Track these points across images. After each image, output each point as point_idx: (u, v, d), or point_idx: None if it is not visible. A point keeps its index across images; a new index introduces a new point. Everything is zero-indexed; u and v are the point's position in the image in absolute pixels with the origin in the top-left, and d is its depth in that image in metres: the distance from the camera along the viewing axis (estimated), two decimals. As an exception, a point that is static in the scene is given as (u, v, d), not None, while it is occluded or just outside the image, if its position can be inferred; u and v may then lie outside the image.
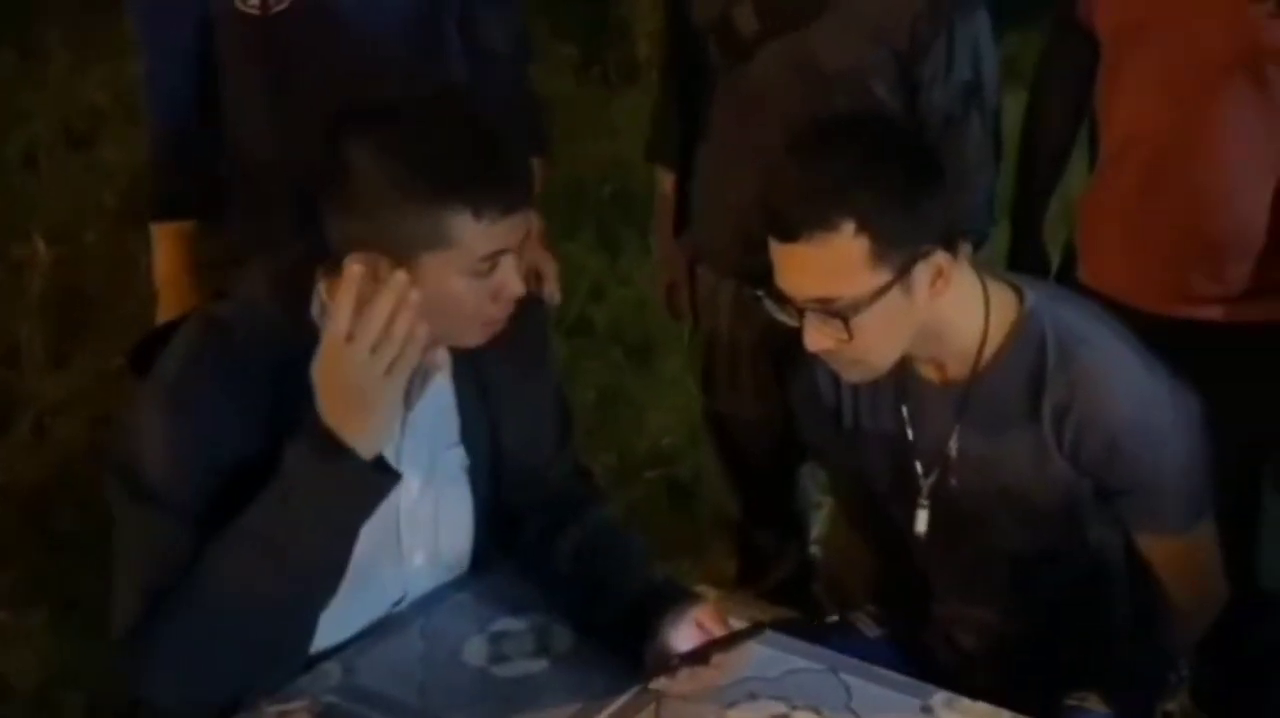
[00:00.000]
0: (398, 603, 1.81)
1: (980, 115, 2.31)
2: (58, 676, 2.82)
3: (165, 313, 2.35)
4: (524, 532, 1.86)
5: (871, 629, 2.03)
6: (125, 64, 4.84)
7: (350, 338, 1.50)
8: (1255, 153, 2.18)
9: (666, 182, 2.57)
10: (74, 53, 4.93)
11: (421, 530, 1.78)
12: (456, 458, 1.78)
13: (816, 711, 1.68)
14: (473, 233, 1.56)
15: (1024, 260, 2.45)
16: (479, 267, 1.59)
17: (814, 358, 1.81)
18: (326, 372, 1.53)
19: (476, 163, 1.57)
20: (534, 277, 2.38)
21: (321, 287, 1.65)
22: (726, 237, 2.41)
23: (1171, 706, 2.47)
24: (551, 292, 2.47)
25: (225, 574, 1.56)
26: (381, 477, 1.58)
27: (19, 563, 3.08)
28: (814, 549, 2.82)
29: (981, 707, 1.69)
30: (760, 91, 2.32)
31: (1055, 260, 2.50)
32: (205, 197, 2.33)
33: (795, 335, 2.26)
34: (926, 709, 1.69)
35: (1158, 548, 1.87)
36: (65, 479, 3.31)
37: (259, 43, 2.20)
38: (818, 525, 2.85)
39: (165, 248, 2.35)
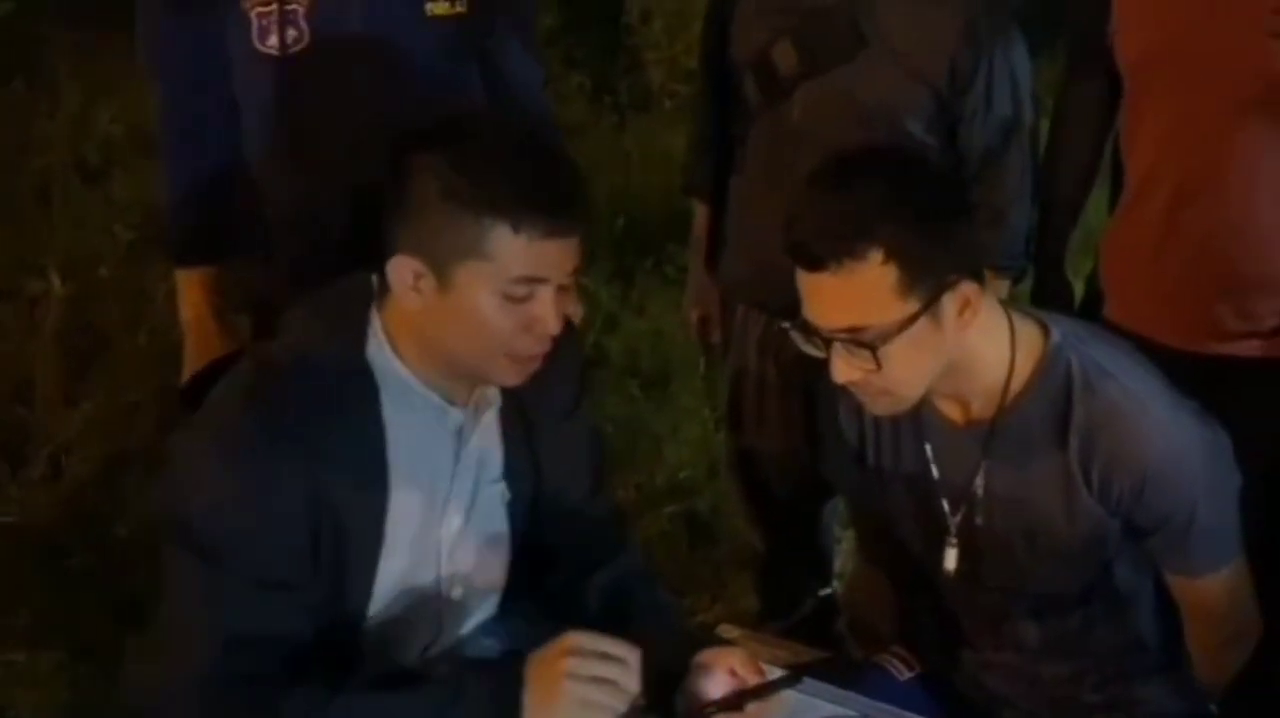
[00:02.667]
0: (431, 642, 1.80)
1: (1019, 151, 2.33)
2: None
3: (192, 354, 2.35)
4: (556, 570, 1.85)
5: (901, 673, 2.01)
6: (137, 97, 4.87)
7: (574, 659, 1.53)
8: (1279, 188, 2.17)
9: (701, 215, 2.58)
10: (85, 85, 4.93)
11: (461, 565, 1.77)
12: (498, 493, 1.78)
13: (847, 758, 1.67)
14: (511, 247, 1.57)
15: (1047, 294, 2.44)
16: (513, 289, 1.58)
17: (837, 397, 1.80)
18: (549, 671, 1.54)
19: (524, 180, 1.58)
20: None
21: (378, 323, 1.65)
22: (757, 270, 2.42)
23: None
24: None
25: None
26: None
27: (33, 603, 3.06)
28: (836, 586, 2.80)
29: (1015, 753, 1.67)
30: (798, 128, 2.33)
31: (1078, 293, 2.49)
32: (226, 238, 2.32)
33: (821, 372, 2.26)
34: (958, 756, 1.67)
35: (1189, 587, 1.86)
36: (79, 517, 3.30)
37: (278, 83, 2.19)
38: (838, 560, 2.84)
39: (190, 292, 2.34)
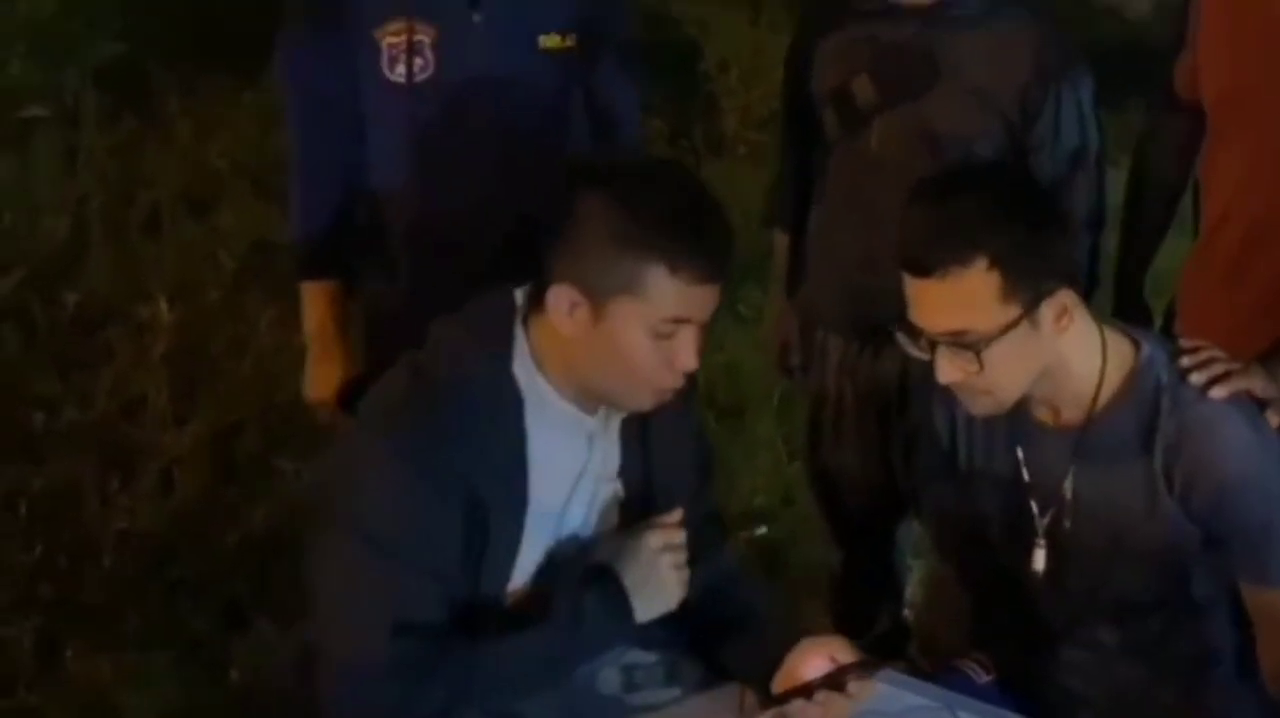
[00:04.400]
0: None
1: (1086, 178, 2.41)
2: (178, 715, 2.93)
3: (316, 365, 2.49)
4: None
5: (980, 676, 2.09)
6: (243, 133, 5.07)
7: None
8: None
9: (782, 244, 2.68)
10: (194, 122, 5.13)
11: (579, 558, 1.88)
12: (613, 491, 1.89)
13: (934, 744, 1.76)
14: (665, 289, 1.68)
15: (1126, 317, 2.47)
16: (662, 327, 1.70)
17: (932, 403, 1.90)
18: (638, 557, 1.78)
19: (685, 227, 1.69)
20: None
21: (523, 340, 1.77)
22: (838, 294, 2.54)
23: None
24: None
25: (498, 672, 1.73)
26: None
27: (143, 607, 3.20)
28: (907, 612, 2.88)
29: (1092, 744, 1.75)
30: (877, 158, 2.43)
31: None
32: (350, 255, 2.46)
33: (902, 391, 2.37)
34: (1039, 746, 1.76)
35: (1262, 598, 1.93)
36: (187, 527, 3.45)
37: (404, 108, 2.34)
38: (910, 588, 2.91)
39: (314, 304, 2.47)
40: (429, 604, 1.73)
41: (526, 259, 1.83)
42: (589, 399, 1.80)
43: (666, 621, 1.92)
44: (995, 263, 1.77)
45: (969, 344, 1.79)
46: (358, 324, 2.53)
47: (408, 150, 2.37)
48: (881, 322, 2.42)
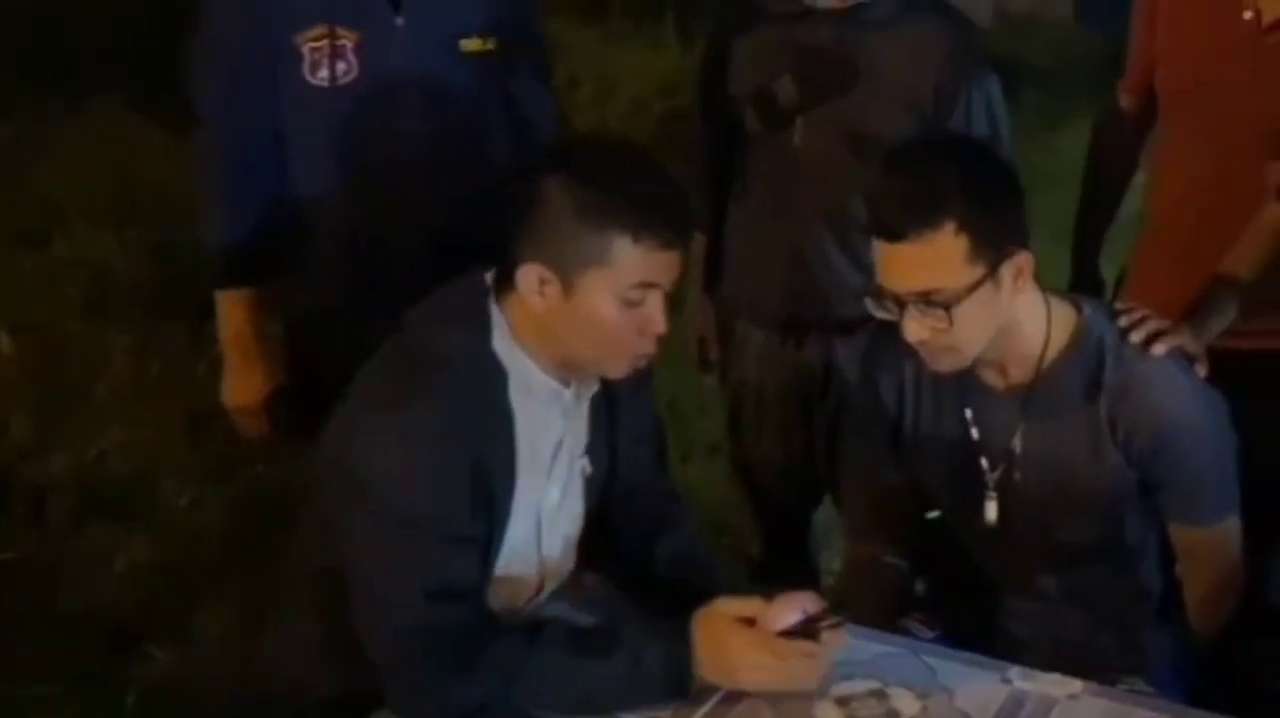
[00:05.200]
0: (528, 605, 1.96)
1: None
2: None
3: (236, 373, 2.49)
4: (621, 540, 2.03)
5: (924, 633, 2.20)
6: (76, 158, 4.95)
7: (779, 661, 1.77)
8: None
9: (699, 244, 2.72)
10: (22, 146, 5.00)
11: (555, 535, 1.94)
12: (581, 467, 1.95)
13: (908, 686, 1.85)
14: (631, 257, 1.75)
15: (1082, 287, 2.68)
16: (631, 294, 1.77)
17: (879, 375, 2.08)
18: (734, 648, 1.77)
19: (645, 197, 1.77)
20: None
21: (500, 318, 1.83)
22: (759, 287, 2.63)
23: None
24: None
25: (526, 686, 1.76)
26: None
27: (28, 638, 3.12)
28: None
29: (1053, 676, 1.86)
30: (799, 156, 2.52)
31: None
32: (267, 260, 2.46)
33: (826, 379, 2.47)
34: (1005, 681, 1.86)
35: (1190, 538, 2.09)
36: (65, 558, 3.37)
37: (327, 112, 2.35)
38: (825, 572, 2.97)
39: (232, 312, 2.47)
40: (459, 570, 1.78)
41: (473, 254, 1.89)
42: (568, 371, 1.86)
43: (635, 589, 2.00)
44: (963, 226, 1.89)
45: (939, 302, 1.91)
46: (277, 329, 2.54)
47: (332, 153, 2.38)
48: (807, 315, 2.57)
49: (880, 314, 1.97)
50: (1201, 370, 2.08)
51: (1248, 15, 2.39)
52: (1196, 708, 1.87)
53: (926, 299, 1.92)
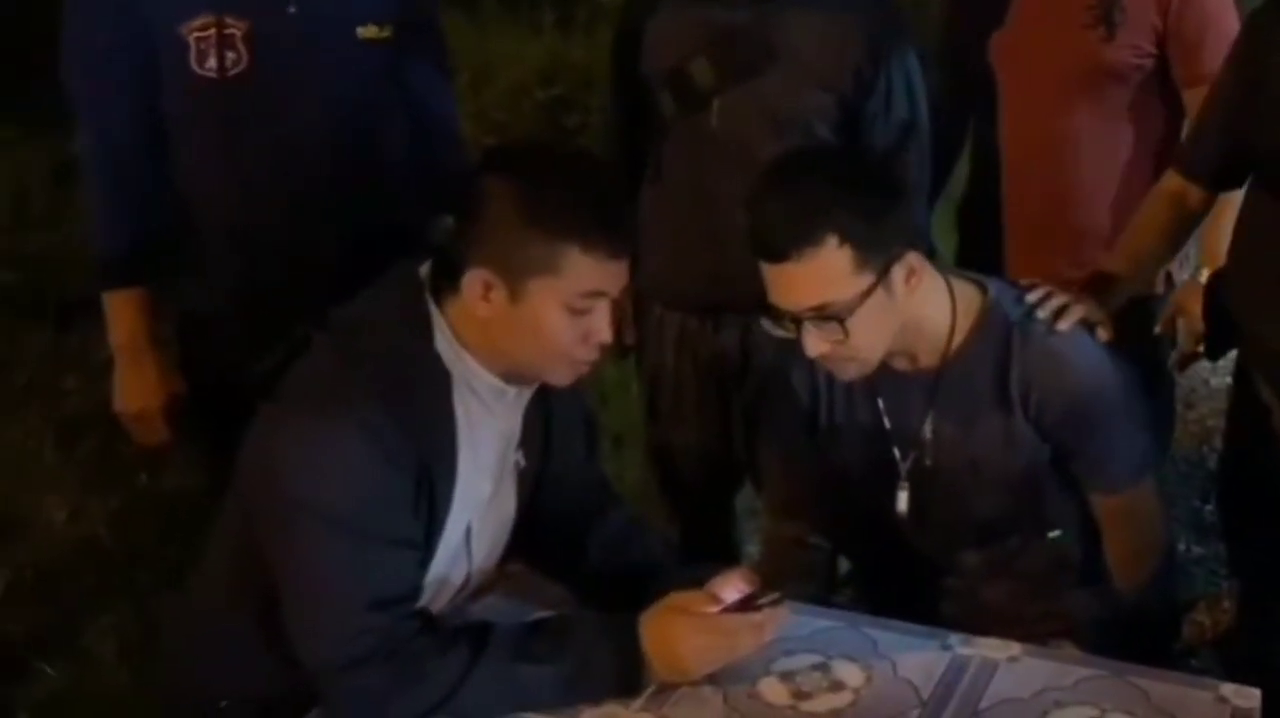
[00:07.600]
0: (457, 598, 1.93)
1: (917, 147, 2.54)
2: None
3: (127, 376, 2.39)
4: (554, 531, 1.99)
5: (851, 611, 2.21)
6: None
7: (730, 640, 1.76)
8: (1101, 156, 2.65)
9: None
10: None
11: (486, 529, 1.91)
12: (515, 461, 1.92)
13: (851, 658, 1.86)
14: (580, 266, 1.73)
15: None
16: (577, 303, 1.75)
17: (791, 367, 2.07)
18: (679, 637, 1.75)
19: (592, 207, 1.74)
20: None
21: (440, 319, 1.78)
22: (675, 270, 2.59)
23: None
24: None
25: (471, 695, 1.72)
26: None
27: None
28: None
29: (992, 640, 1.88)
30: (715, 137, 2.48)
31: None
32: (153, 259, 2.38)
33: (744, 362, 2.49)
34: (945, 648, 1.88)
35: (1108, 503, 2.13)
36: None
37: (216, 104, 2.27)
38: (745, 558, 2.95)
39: (121, 314, 2.37)
40: (402, 575, 1.74)
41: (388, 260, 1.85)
42: (511, 374, 1.83)
43: (569, 578, 1.98)
44: (845, 238, 1.89)
45: (833, 316, 1.92)
46: (168, 331, 2.45)
47: (222, 147, 2.30)
48: (725, 298, 2.53)
49: (778, 333, 1.98)
50: (1105, 335, 2.11)
51: None
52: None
53: (820, 314, 1.92)
